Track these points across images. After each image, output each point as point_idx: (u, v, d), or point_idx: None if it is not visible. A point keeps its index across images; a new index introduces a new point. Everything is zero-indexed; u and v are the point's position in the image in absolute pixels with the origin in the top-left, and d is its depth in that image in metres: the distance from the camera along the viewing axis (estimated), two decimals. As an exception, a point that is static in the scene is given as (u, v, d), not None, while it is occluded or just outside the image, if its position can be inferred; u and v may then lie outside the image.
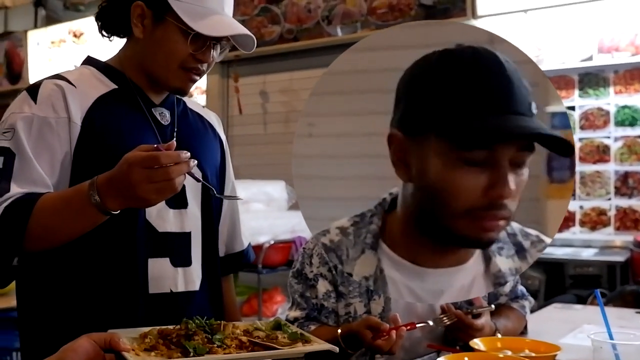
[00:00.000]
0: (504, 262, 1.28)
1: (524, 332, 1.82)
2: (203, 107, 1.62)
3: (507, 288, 1.80)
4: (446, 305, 1.44)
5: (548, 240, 1.32)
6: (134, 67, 1.39)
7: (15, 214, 1.16)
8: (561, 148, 1.08)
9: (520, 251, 1.29)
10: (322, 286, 1.60)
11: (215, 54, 1.38)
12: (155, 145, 1.12)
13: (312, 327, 1.65)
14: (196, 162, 1.15)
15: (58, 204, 1.19)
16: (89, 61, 1.44)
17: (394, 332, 1.24)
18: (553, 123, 1.63)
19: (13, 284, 1.36)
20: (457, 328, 1.49)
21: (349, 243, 1.28)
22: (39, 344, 1.32)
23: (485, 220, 1.11)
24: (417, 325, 1.24)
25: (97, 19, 1.43)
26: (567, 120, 2.03)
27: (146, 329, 1.07)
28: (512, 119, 1.04)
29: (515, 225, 1.29)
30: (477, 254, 1.30)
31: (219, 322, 1.09)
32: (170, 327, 1.07)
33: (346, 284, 1.62)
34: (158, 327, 1.07)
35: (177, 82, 1.38)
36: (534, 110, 1.09)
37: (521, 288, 1.84)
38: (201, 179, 1.30)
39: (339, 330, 1.53)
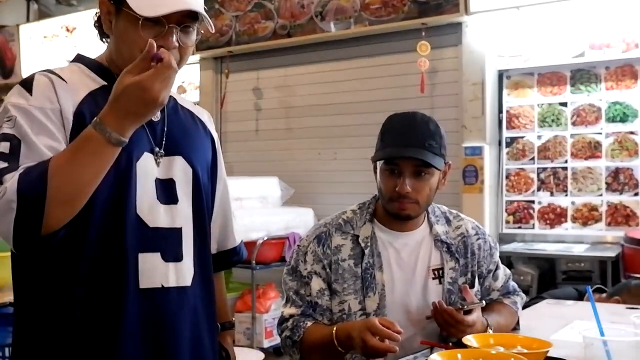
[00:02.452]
0: (439, 227, 1.81)
1: (516, 327, 1.83)
2: (195, 104, 1.62)
3: (498, 284, 1.83)
4: (437, 302, 1.62)
5: (463, 215, 1.91)
6: (117, 63, 1.39)
7: (33, 176, 1.17)
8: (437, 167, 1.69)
9: (447, 221, 1.85)
10: (316, 284, 1.73)
11: (185, 39, 1.35)
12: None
13: (308, 324, 1.67)
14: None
15: (70, 155, 1.20)
16: (79, 59, 1.44)
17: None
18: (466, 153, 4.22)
19: (9, 279, 1.37)
20: (448, 324, 1.54)
21: (357, 218, 1.81)
22: (31, 339, 1.32)
23: (398, 204, 1.69)
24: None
25: (95, 26, 1.45)
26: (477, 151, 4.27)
27: None
28: (406, 149, 1.66)
29: (444, 208, 1.90)
30: (425, 223, 1.82)
31: None
32: None
33: (340, 281, 1.67)
34: None
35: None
36: (430, 145, 1.66)
37: (512, 284, 1.89)
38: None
39: (334, 329, 1.56)
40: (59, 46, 6.36)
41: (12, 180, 1.16)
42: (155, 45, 1.20)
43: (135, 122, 1.21)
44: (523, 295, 1.91)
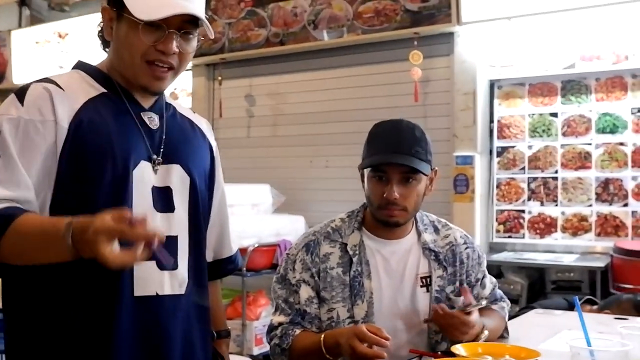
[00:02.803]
0: (428, 236, 1.82)
1: (504, 335, 1.85)
2: (194, 112, 1.62)
3: (486, 291, 1.84)
4: (439, 306, 1.68)
5: (452, 224, 1.93)
6: (117, 70, 1.40)
7: None
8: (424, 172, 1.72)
9: (436, 230, 1.86)
10: (305, 292, 1.74)
11: (185, 45, 1.36)
12: (129, 217, 1.09)
13: (297, 332, 1.67)
14: (163, 239, 1.15)
15: (35, 230, 1.19)
16: (79, 65, 1.44)
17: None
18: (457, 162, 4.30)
19: None
20: (453, 327, 1.56)
21: (346, 226, 1.82)
22: (24, 345, 1.32)
23: (387, 211, 1.71)
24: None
25: (98, 36, 1.46)
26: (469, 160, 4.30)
27: None
28: (393, 156, 1.67)
29: (433, 217, 1.91)
30: (413, 231, 1.83)
31: None
32: None
33: (328, 289, 1.69)
34: None
35: (144, 79, 1.37)
36: (416, 152, 1.68)
37: (499, 292, 1.93)
38: (166, 263, 1.27)
39: (322, 337, 1.57)
40: (51, 52, 6.33)
41: None
42: (130, 219, 1.10)
43: (92, 257, 1.11)
44: (508, 302, 1.94)
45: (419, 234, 1.82)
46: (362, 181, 1.80)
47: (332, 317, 1.71)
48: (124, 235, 1.08)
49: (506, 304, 1.93)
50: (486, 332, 1.68)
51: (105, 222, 1.08)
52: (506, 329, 1.87)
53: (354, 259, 1.74)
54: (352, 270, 1.73)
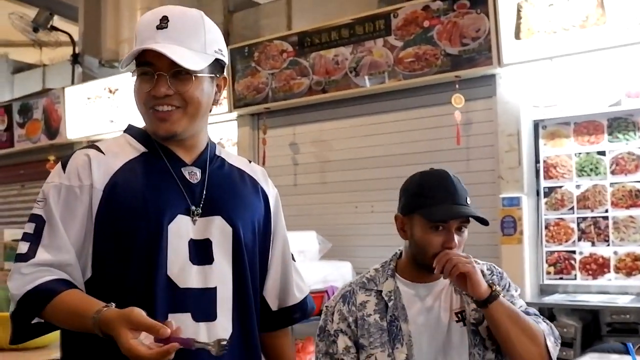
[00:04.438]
0: None
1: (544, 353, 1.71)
2: (249, 162, 1.64)
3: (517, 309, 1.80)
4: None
5: (479, 260, 1.86)
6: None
7: (34, 300, 1.29)
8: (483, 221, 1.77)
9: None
10: (342, 341, 1.77)
11: (181, 85, 1.38)
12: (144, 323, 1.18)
13: None
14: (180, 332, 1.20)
15: (72, 308, 1.28)
16: (128, 129, 1.52)
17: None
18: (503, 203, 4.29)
19: (57, 337, 1.42)
20: (447, 267, 1.69)
21: (379, 275, 1.86)
22: None
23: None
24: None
25: None
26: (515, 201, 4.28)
27: None
28: (455, 207, 1.73)
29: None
30: None
31: None
32: None
33: (366, 336, 1.73)
34: None
35: (152, 125, 1.42)
36: (468, 202, 1.76)
37: (535, 312, 1.85)
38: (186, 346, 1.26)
39: None
40: (102, 107, 6.53)
41: (25, 282, 1.30)
42: (168, 332, 1.17)
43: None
44: (551, 325, 1.80)
45: None
46: (402, 228, 1.83)
47: None
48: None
49: (544, 324, 1.79)
50: (498, 288, 1.70)
51: (123, 339, 1.16)
52: (550, 356, 1.71)
53: (390, 304, 1.77)
54: (388, 315, 1.76)
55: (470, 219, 1.75)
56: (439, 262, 1.68)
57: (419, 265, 1.79)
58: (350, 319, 1.77)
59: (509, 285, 1.86)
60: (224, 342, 1.21)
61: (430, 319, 1.77)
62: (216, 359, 1.29)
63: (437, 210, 1.72)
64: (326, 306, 1.86)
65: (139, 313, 1.18)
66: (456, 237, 1.72)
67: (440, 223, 1.72)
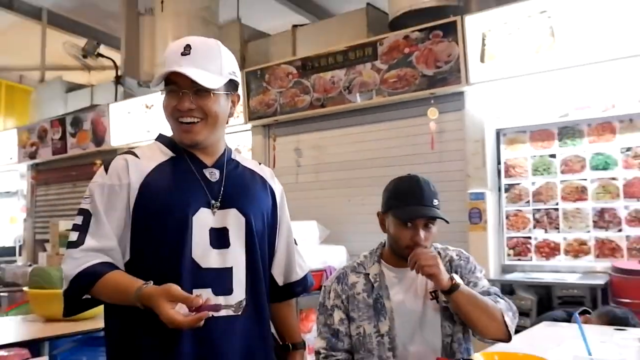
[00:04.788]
0: None
1: (506, 338, 1.66)
2: (259, 164, 1.63)
3: (478, 289, 1.75)
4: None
5: (450, 247, 1.87)
6: None
7: (84, 280, 1.30)
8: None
9: (438, 254, 1.80)
10: (337, 315, 1.80)
11: (201, 101, 1.38)
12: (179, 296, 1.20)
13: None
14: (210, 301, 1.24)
15: (117, 286, 1.29)
16: (158, 137, 1.51)
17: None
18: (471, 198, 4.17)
19: (101, 310, 1.41)
20: (414, 261, 1.67)
21: (367, 261, 1.86)
22: (115, 356, 1.38)
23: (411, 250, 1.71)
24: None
25: None
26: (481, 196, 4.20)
27: None
28: (421, 208, 1.72)
29: (437, 244, 1.88)
30: None
31: None
32: None
33: (356, 311, 1.73)
34: None
35: (178, 134, 1.42)
36: (435, 203, 1.73)
37: (496, 291, 1.78)
38: (213, 311, 1.27)
39: None
40: (140, 119, 6.54)
41: (76, 265, 1.31)
42: (200, 302, 1.20)
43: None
44: (510, 302, 1.74)
45: None
46: (382, 223, 1.84)
47: (360, 333, 1.76)
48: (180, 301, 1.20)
49: (504, 301, 1.73)
50: (457, 279, 1.65)
51: (163, 309, 1.19)
52: (508, 334, 1.66)
53: (375, 285, 1.79)
54: (374, 294, 1.77)
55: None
56: (410, 261, 1.67)
57: (396, 254, 1.79)
58: (343, 297, 1.79)
59: (475, 268, 1.82)
60: (243, 303, 1.29)
61: (408, 298, 1.77)
62: (230, 323, 1.34)
63: (405, 211, 1.72)
64: (324, 286, 1.87)
65: (177, 288, 1.19)
66: (423, 233, 1.71)
67: (409, 221, 1.72)
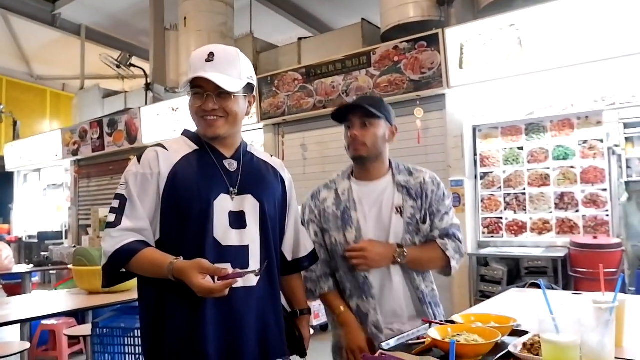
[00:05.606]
0: (401, 177, 1.68)
1: (446, 271, 1.67)
2: (271, 156, 1.61)
3: (441, 225, 1.67)
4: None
5: (426, 170, 1.71)
6: None
7: (121, 256, 1.28)
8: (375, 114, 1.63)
9: (410, 173, 1.69)
10: (312, 228, 1.71)
11: (223, 102, 1.35)
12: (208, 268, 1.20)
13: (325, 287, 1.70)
14: (236, 271, 1.24)
15: (151, 261, 1.27)
16: (184, 132, 1.48)
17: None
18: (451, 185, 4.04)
19: (135, 283, 1.40)
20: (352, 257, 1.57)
21: (339, 178, 1.73)
22: (148, 324, 1.36)
23: (353, 148, 1.64)
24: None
25: None
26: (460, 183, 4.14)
27: None
28: (353, 105, 1.62)
29: (410, 165, 1.73)
30: (389, 174, 1.69)
31: None
32: None
33: (327, 222, 1.68)
34: None
35: (202, 129, 1.39)
36: (369, 105, 1.61)
37: (455, 232, 1.68)
38: (240, 277, 1.27)
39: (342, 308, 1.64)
40: (167, 121, 6.53)
41: (114, 243, 1.29)
42: (227, 272, 1.20)
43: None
44: (460, 244, 1.69)
45: (394, 176, 1.70)
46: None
47: (333, 242, 1.67)
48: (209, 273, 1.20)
49: (454, 244, 1.65)
50: (406, 251, 1.58)
51: (199, 283, 1.18)
52: (449, 266, 1.65)
53: (343, 198, 1.68)
54: (342, 207, 1.66)
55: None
56: (351, 260, 1.58)
57: (353, 160, 1.69)
58: (316, 212, 1.70)
59: (444, 195, 1.69)
60: (261, 268, 1.30)
61: (374, 210, 1.65)
62: (247, 293, 1.34)
63: (339, 112, 1.65)
64: (302, 204, 1.74)
65: (207, 262, 1.19)
66: (358, 130, 1.62)
67: (347, 122, 1.64)
